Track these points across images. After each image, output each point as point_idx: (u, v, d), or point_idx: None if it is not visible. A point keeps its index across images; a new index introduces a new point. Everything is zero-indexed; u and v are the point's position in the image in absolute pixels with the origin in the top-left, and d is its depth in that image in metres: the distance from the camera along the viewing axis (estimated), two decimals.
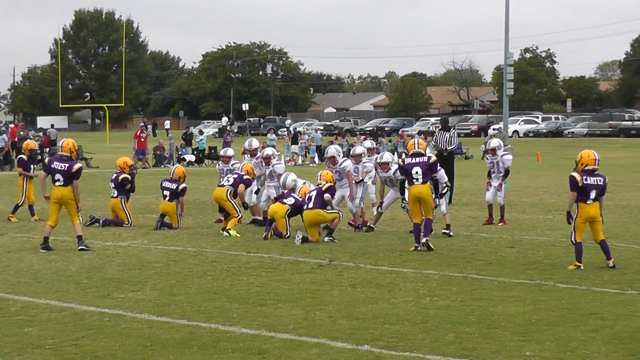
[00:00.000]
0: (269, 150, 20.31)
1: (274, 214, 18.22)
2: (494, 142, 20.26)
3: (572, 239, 14.33)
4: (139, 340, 9.76)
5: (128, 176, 20.19)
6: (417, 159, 16.56)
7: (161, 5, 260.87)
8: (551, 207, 24.19)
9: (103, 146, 65.60)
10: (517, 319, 10.64)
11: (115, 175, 20.39)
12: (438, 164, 17.37)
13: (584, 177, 14.27)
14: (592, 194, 14.21)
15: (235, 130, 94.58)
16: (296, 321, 10.59)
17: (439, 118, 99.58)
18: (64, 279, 13.44)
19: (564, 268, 14.29)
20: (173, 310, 11.21)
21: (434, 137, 25.91)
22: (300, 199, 18.36)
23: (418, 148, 16.81)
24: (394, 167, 18.83)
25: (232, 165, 20.82)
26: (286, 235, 17.94)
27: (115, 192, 20.14)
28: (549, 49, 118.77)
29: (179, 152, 50.56)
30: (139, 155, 47.15)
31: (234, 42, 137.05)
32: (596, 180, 14.27)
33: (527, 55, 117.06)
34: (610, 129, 76.63)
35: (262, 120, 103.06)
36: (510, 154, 20.51)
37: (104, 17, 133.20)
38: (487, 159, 20.37)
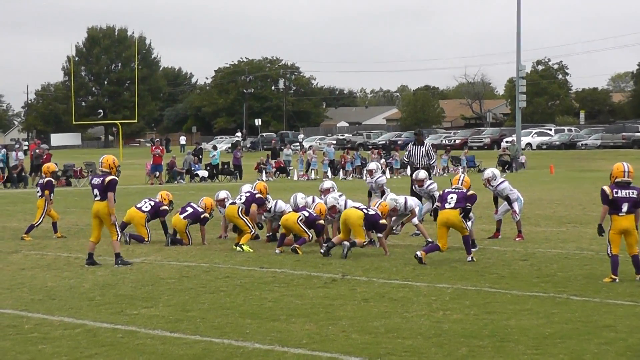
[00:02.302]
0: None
1: (286, 222, 18.21)
2: (487, 173, 20.01)
3: (608, 252, 14.33)
4: (152, 356, 9.77)
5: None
6: (455, 189, 16.95)
7: (173, 22, 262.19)
8: (564, 219, 24.13)
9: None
10: (531, 332, 10.62)
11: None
12: (476, 197, 17.36)
13: (615, 190, 14.28)
14: (624, 207, 14.19)
15: (248, 146, 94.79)
16: (309, 336, 10.58)
17: (453, 131, 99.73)
18: (78, 296, 13.47)
19: (577, 280, 14.25)
20: (186, 326, 11.22)
21: (407, 152, 25.15)
22: (314, 214, 18.35)
23: (461, 184, 17.22)
24: (377, 174, 20.64)
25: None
26: (310, 239, 18.07)
27: (146, 207, 20.24)
28: (561, 61, 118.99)
29: (192, 168, 50.66)
30: (153, 171, 47.25)
31: (246, 58, 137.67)
32: (628, 192, 14.25)
33: (540, 67, 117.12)
34: (623, 141, 76.53)
35: (278, 134, 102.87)
36: (506, 182, 19.89)
37: (116, 34, 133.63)
38: (488, 188, 20.11)
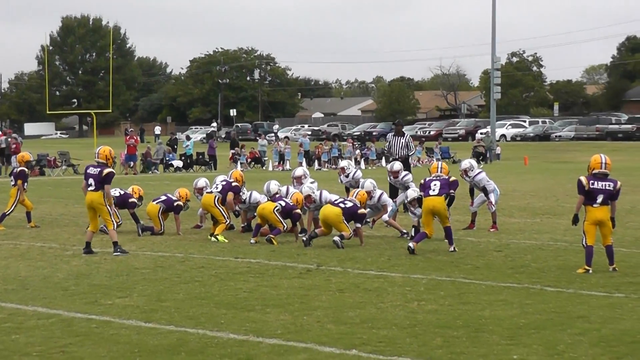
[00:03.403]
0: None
1: (262, 211, 18.20)
2: (464, 164, 20.01)
3: (583, 243, 14.41)
4: (126, 346, 9.74)
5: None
6: (435, 176, 17.14)
7: (148, 12, 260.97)
8: (538, 210, 24.24)
9: (91, 152, 65.29)
10: (505, 323, 10.66)
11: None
12: (458, 183, 17.51)
13: (591, 181, 14.37)
14: (599, 198, 14.27)
15: (223, 136, 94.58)
16: (284, 326, 10.58)
17: (429, 123, 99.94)
18: (52, 286, 13.41)
19: (551, 271, 14.32)
20: (161, 317, 11.20)
21: (387, 143, 24.90)
22: (291, 204, 18.35)
23: (440, 172, 17.35)
24: (351, 169, 20.73)
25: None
26: (284, 229, 18.13)
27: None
28: (535, 53, 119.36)
29: (167, 158, 50.51)
30: (128, 161, 47.11)
31: (221, 48, 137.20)
32: (605, 184, 14.34)
33: (514, 59, 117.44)
34: (597, 133, 76.96)
35: (252, 125, 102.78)
36: (483, 173, 19.94)
37: (91, 23, 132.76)
38: (465, 179, 20.19)
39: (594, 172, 14.47)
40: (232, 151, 53.41)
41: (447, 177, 17.12)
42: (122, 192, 20.11)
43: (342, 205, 17.47)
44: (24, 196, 21.29)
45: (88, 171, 16.82)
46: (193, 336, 10.15)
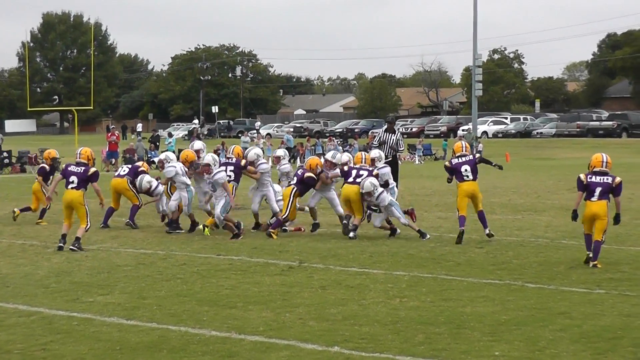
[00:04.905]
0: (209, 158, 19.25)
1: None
2: (374, 153, 19.74)
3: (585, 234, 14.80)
4: (108, 344, 9.72)
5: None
6: (464, 159, 17.72)
7: (129, 8, 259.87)
8: (520, 207, 24.29)
9: (72, 149, 65.00)
10: (486, 319, 10.69)
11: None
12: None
13: (589, 176, 14.66)
14: (597, 192, 14.50)
15: (205, 133, 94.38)
16: (266, 323, 10.59)
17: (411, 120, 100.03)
18: (33, 283, 13.37)
19: (532, 268, 14.36)
20: (142, 314, 11.18)
21: (378, 137, 24.50)
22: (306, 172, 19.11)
23: (465, 150, 17.99)
24: (284, 161, 21.08)
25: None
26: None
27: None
28: (517, 50, 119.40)
29: (149, 155, 50.36)
30: (109, 158, 46.99)
31: (203, 45, 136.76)
32: (602, 178, 14.61)
33: (496, 56, 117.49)
34: (578, 129, 77.08)
35: (231, 122, 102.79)
36: (387, 168, 19.60)
37: (72, 19, 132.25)
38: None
39: (594, 170, 14.71)
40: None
41: (473, 159, 17.89)
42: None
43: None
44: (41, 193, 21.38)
45: (69, 169, 16.96)
46: (175, 333, 10.14)
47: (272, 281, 13.38)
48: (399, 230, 18.45)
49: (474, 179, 17.51)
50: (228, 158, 19.65)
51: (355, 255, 15.87)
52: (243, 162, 19.11)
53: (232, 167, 19.02)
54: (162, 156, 20.42)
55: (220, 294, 12.42)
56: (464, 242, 17.35)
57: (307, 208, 19.72)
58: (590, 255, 14.42)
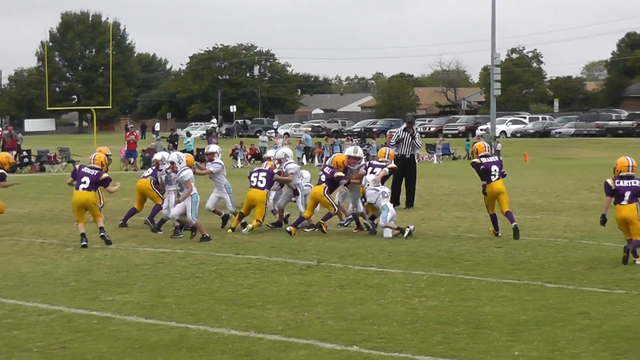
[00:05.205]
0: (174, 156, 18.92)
1: (314, 195, 18.95)
2: (279, 154, 19.78)
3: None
4: (127, 342, 9.75)
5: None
6: (490, 159, 18.16)
7: (148, 8, 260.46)
8: (538, 207, 24.21)
9: (90, 149, 65.17)
10: (505, 319, 10.67)
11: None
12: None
13: (617, 181, 14.74)
14: (627, 195, 14.58)
15: (223, 132, 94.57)
16: (285, 322, 10.59)
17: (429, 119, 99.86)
18: (52, 282, 13.42)
19: (551, 268, 14.32)
20: (161, 313, 11.21)
21: (396, 135, 24.55)
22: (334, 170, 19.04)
23: (487, 150, 18.50)
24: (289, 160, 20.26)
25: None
26: (335, 212, 19.04)
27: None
28: (535, 49, 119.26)
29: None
30: (128, 157, 47.08)
31: (221, 44, 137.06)
32: (630, 182, 14.69)
33: (514, 55, 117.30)
34: (597, 129, 76.85)
35: (248, 122, 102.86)
36: (294, 164, 19.95)
37: (90, 19, 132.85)
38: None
39: (620, 174, 14.75)
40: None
41: (499, 160, 18.31)
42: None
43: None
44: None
45: (83, 170, 17.42)
46: (194, 332, 10.16)
47: (290, 280, 13.39)
48: (409, 229, 18.26)
49: (501, 177, 17.94)
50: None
51: (374, 255, 15.85)
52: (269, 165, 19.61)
53: (264, 174, 19.17)
54: (158, 156, 20.32)
55: (238, 293, 12.43)
56: (482, 242, 17.31)
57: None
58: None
